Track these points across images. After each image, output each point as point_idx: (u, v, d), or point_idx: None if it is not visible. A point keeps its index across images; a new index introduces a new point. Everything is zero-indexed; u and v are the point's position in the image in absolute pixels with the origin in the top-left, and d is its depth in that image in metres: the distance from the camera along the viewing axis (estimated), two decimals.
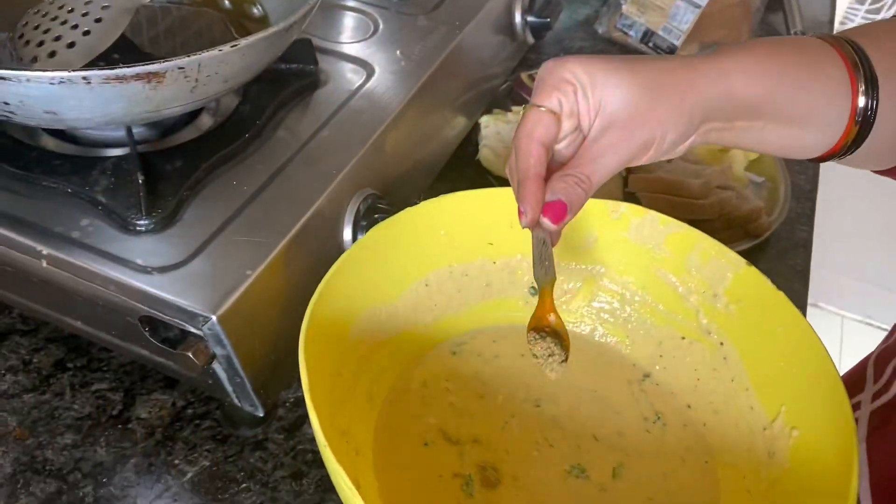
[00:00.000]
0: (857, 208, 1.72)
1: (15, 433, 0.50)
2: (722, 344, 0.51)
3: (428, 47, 0.67)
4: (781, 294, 0.47)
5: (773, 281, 0.48)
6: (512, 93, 0.77)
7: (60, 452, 0.49)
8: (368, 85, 0.62)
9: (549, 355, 0.43)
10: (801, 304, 0.70)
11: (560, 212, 0.41)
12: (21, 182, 0.50)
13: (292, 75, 0.60)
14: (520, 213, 0.42)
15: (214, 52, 0.43)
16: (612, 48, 0.95)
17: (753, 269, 0.49)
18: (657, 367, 0.54)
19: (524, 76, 0.77)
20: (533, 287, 0.56)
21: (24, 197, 0.49)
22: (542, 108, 0.42)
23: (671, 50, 0.92)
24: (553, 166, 0.43)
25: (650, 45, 0.93)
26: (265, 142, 0.56)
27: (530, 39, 0.85)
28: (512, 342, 0.55)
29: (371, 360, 0.49)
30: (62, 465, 0.49)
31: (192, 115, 0.58)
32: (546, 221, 0.41)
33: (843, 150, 0.44)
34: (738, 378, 0.50)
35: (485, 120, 0.72)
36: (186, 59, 0.42)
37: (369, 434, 0.48)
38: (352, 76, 0.63)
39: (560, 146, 0.44)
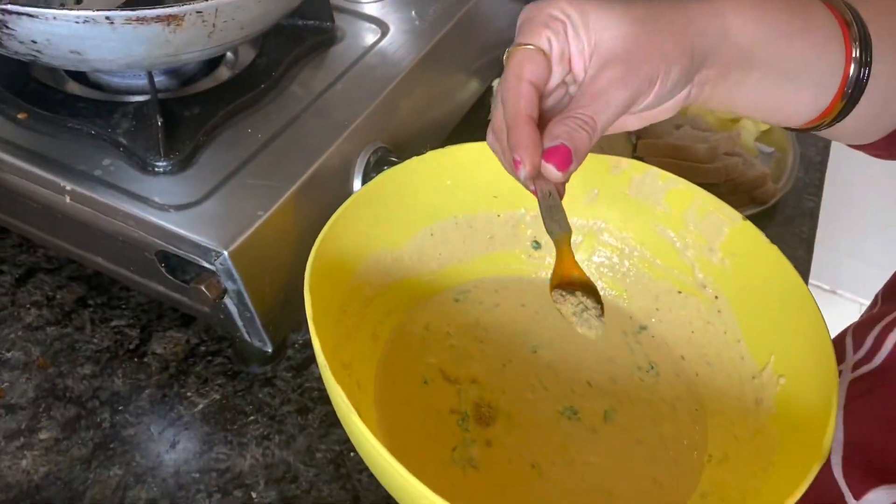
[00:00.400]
0: (862, 192, 1.71)
1: (38, 362, 0.53)
2: (716, 297, 0.52)
3: (442, 8, 0.68)
4: (775, 248, 0.48)
5: (778, 247, 0.49)
6: None
7: (80, 381, 0.52)
8: (382, 43, 0.64)
9: (584, 310, 0.41)
10: (804, 271, 0.71)
11: (565, 157, 0.36)
12: (48, 123, 0.52)
13: (309, 31, 0.62)
14: (515, 163, 0.37)
15: None
16: None
17: (749, 223, 0.50)
18: (653, 320, 0.55)
19: None
20: (535, 241, 0.57)
21: (50, 137, 0.51)
22: (530, 47, 0.38)
23: None
24: (542, 123, 0.39)
25: None
26: (280, 93, 0.58)
27: None
28: (513, 292, 0.56)
29: (376, 303, 0.51)
30: (81, 392, 0.52)
31: (211, 67, 0.60)
32: (550, 169, 0.37)
33: (835, 113, 0.43)
34: (730, 330, 0.51)
35: (496, 83, 0.73)
36: (204, 3, 0.44)
37: (372, 371, 0.50)
38: (367, 34, 0.65)
39: (547, 99, 0.41)
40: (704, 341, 0.52)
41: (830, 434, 0.38)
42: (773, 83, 0.42)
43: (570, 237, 0.41)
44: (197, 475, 0.48)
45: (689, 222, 0.53)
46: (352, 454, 0.50)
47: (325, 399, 0.53)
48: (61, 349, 0.54)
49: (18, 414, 0.50)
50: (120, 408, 0.51)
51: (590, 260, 0.57)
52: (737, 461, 0.46)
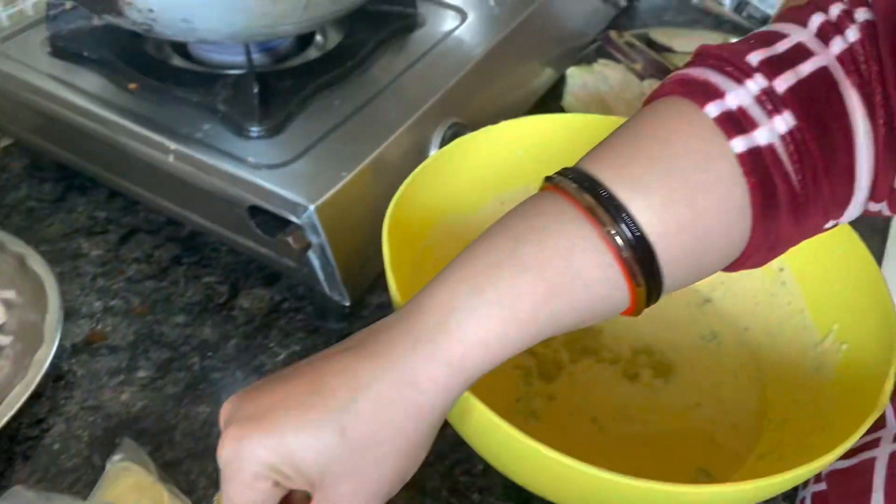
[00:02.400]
0: None
1: (137, 310, 0.58)
2: (781, 269, 0.53)
3: None
4: None
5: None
6: (600, 50, 0.81)
7: (174, 329, 0.57)
8: (461, 29, 0.67)
9: None
10: (878, 260, 0.70)
11: None
12: (155, 92, 0.57)
13: (392, 16, 0.66)
14: None
15: None
16: (706, 18, 0.97)
17: None
18: (718, 293, 0.56)
19: (613, 34, 0.80)
20: None
21: (157, 105, 0.57)
22: None
23: (764, 20, 0.93)
24: None
25: (743, 14, 0.94)
26: (364, 72, 0.62)
27: (623, 3, 0.88)
28: None
29: (447, 262, 0.54)
30: (175, 339, 0.56)
31: (302, 47, 0.64)
32: None
33: (643, 305, 0.34)
34: (794, 301, 0.52)
35: (571, 71, 0.76)
36: None
37: None
38: (446, 20, 0.68)
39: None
40: (768, 312, 0.53)
41: (889, 387, 0.39)
42: (548, 337, 0.33)
43: None
44: None
45: None
46: None
47: None
48: (158, 300, 0.58)
49: (119, 354, 0.55)
50: (209, 354, 0.55)
51: None
52: (795, 423, 0.47)
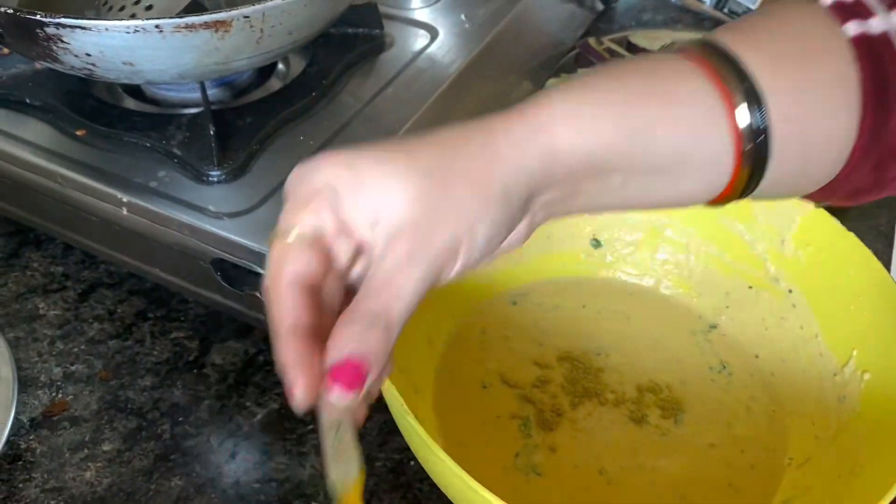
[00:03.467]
0: None
1: (100, 374, 0.53)
2: (790, 291, 0.49)
3: (492, 10, 0.67)
4: (851, 235, 0.46)
5: None
6: (579, 59, 0.77)
7: (141, 393, 0.52)
8: (432, 47, 0.63)
9: None
10: (885, 266, 0.67)
11: (354, 373, 0.28)
12: (105, 138, 0.53)
13: (358, 39, 0.62)
14: (289, 392, 0.29)
15: (278, 1, 0.44)
16: (686, 16, 0.93)
17: (822, 210, 0.47)
18: (723, 318, 0.52)
19: (592, 41, 0.77)
20: (595, 239, 0.56)
21: (107, 151, 0.52)
22: (291, 237, 0.30)
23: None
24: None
25: (724, 10, 0.91)
26: (331, 100, 0.58)
27: (599, 6, 0.85)
28: (572, 294, 0.55)
29: (430, 306, 0.50)
30: (142, 404, 0.52)
31: (263, 79, 0.60)
32: (336, 392, 0.28)
33: (739, 190, 0.33)
34: (806, 325, 0.48)
35: (551, 83, 0.72)
36: (251, 8, 0.44)
37: (429, 376, 0.49)
38: (416, 39, 0.64)
39: (355, 274, 0.31)
40: (779, 338, 0.50)
41: None
42: (643, 183, 0.33)
43: (360, 481, 0.30)
44: (257, 485, 0.48)
45: (757, 214, 0.51)
46: (412, 462, 0.49)
47: (382, 407, 0.52)
48: (122, 361, 0.54)
49: (82, 426, 0.50)
50: (180, 419, 0.51)
51: (653, 258, 0.55)
52: (820, 464, 0.43)
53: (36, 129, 0.55)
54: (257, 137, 0.52)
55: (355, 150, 0.31)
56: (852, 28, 0.31)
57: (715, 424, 0.47)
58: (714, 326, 0.53)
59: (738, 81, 0.30)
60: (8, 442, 0.48)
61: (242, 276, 0.50)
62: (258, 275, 0.47)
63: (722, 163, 0.32)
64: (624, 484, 0.44)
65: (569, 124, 0.30)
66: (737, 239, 0.52)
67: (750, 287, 0.52)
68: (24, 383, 0.53)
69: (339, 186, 0.30)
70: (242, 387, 0.53)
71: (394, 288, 0.29)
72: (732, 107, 0.31)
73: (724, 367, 0.50)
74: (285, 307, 0.30)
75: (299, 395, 0.29)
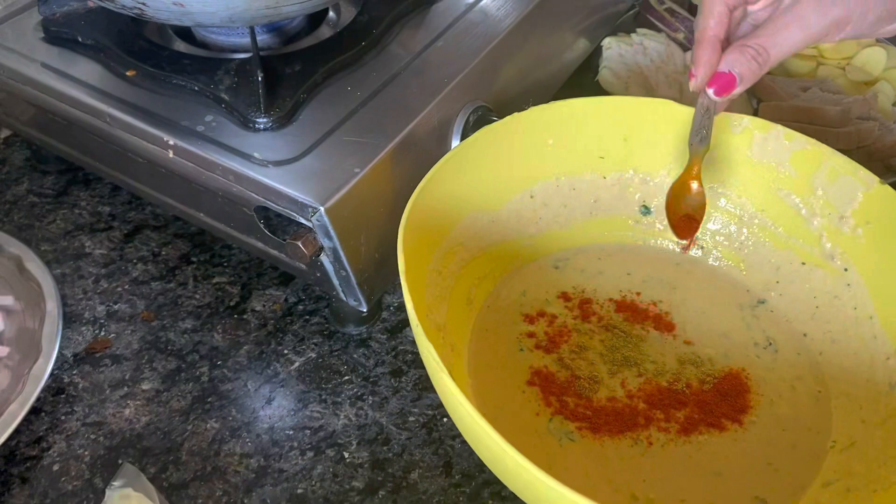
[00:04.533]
0: None
1: (142, 315, 0.54)
2: (846, 270, 0.47)
3: None
4: None
5: None
6: (638, 17, 0.74)
7: (181, 335, 0.53)
8: (485, 0, 0.61)
9: None
10: None
11: (727, 84, 0.41)
12: (154, 80, 0.53)
13: None
14: (690, 74, 0.43)
15: None
16: None
17: (888, 187, 0.45)
18: (773, 294, 0.51)
19: (653, 0, 0.74)
20: (644, 206, 0.54)
21: (155, 93, 0.52)
22: None
23: None
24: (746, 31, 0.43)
25: None
26: (380, 51, 0.56)
27: None
28: (618, 260, 0.53)
29: (472, 266, 0.50)
30: (182, 346, 0.52)
31: (313, 26, 0.59)
32: (712, 91, 0.42)
33: None
34: (861, 306, 0.46)
35: (607, 41, 0.70)
36: None
37: (466, 336, 0.48)
38: None
39: (756, 7, 0.43)
40: (830, 317, 0.48)
41: None
42: None
43: (706, 152, 0.45)
44: (291, 432, 0.48)
45: (817, 187, 0.49)
46: (444, 419, 0.48)
47: (418, 363, 0.52)
48: (165, 303, 0.55)
49: (123, 364, 0.51)
50: (218, 362, 0.51)
51: (704, 227, 0.53)
52: (865, 448, 0.42)
53: (87, 68, 0.55)
54: (305, 86, 0.52)
55: None
56: None
57: (758, 402, 0.46)
58: (762, 302, 0.51)
59: None
60: (52, 375, 0.49)
61: (285, 225, 0.50)
62: (300, 224, 0.47)
63: None
64: (658, 456, 0.43)
65: None
66: (792, 212, 0.50)
67: (803, 263, 0.50)
68: (69, 319, 0.54)
69: None
70: (281, 334, 0.53)
71: (782, 35, 0.39)
72: None
73: (770, 344, 0.49)
74: (714, 19, 0.41)
75: (698, 81, 0.42)
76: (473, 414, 0.33)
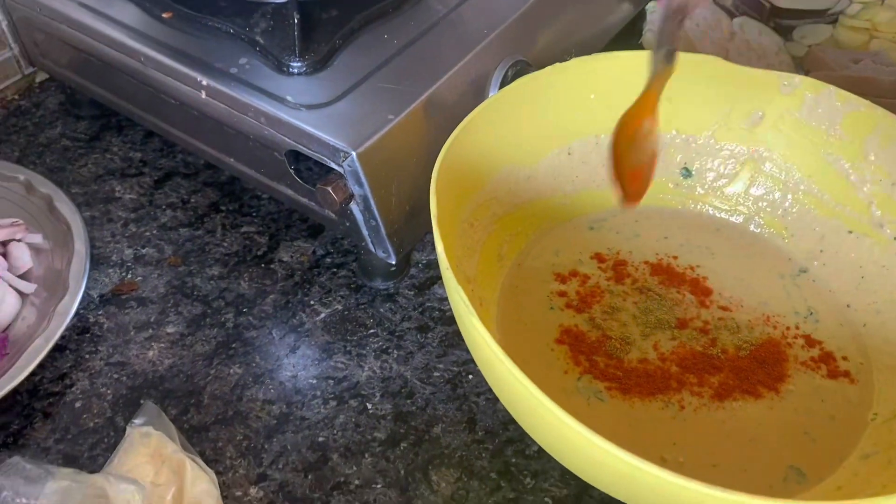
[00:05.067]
0: None
1: (170, 260, 0.54)
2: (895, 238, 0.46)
3: None
4: None
5: None
6: None
7: (208, 281, 0.53)
8: None
9: None
10: None
11: None
12: (189, 22, 0.52)
13: None
14: None
15: None
16: None
17: None
18: (816, 263, 0.49)
19: None
20: (685, 168, 0.52)
21: (190, 35, 0.51)
22: None
23: None
24: None
25: None
26: (419, 0, 0.55)
27: None
28: (655, 223, 0.52)
29: (505, 221, 0.49)
30: (208, 292, 0.52)
31: None
32: None
33: None
34: None
35: (652, 5, 0.68)
36: None
37: (496, 291, 0.47)
38: None
39: None
40: (876, 287, 0.46)
41: None
42: None
43: (670, 74, 0.37)
44: (314, 381, 0.47)
45: (869, 152, 0.47)
46: (470, 377, 0.47)
47: (445, 319, 0.51)
48: (192, 250, 0.54)
49: (149, 307, 0.51)
50: (244, 310, 0.51)
51: (747, 192, 0.51)
52: None
53: (123, 9, 0.54)
54: (341, 32, 0.51)
55: None
56: None
57: (797, 371, 0.44)
58: (804, 271, 0.49)
59: None
60: (78, 314, 0.49)
61: (316, 171, 0.49)
62: (331, 170, 0.46)
63: None
64: (690, 420, 0.42)
65: None
66: (841, 178, 0.48)
67: (850, 231, 0.48)
68: (96, 261, 0.53)
69: None
70: (308, 286, 0.53)
71: None
72: None
73: (812, 314, 0.47)
74: None
75: None
76: (500, 355, 0.32)
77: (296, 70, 0.49)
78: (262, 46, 0.50)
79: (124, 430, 0.44)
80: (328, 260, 0.54)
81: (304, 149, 0.46)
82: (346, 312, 0.51)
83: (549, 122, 0.49)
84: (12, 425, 0.45)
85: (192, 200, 0.58)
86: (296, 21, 0.49)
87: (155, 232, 0.55)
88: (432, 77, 0.49)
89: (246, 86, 0.48)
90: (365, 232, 0.49)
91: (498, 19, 0.53)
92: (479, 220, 0.46)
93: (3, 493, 0.32)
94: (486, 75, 0.52)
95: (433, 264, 0.54)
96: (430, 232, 0.54)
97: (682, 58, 0.49)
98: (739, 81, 0.48)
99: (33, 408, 0.46)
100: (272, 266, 0.54)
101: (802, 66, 0.67)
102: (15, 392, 0.44)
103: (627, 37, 0.70)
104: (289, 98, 0.47)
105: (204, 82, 0.48)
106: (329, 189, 0.45)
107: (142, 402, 0.46)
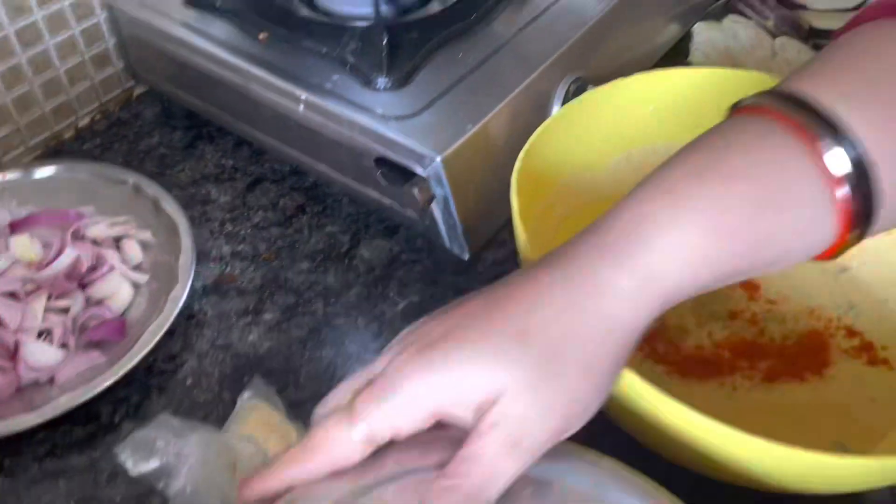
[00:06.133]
0: None
1: (264, 256, 0.59)
2: None
3: None
4: None
5: None
6: (728, 4, 0.77)
7: (298, 275, 0.58)
8: None
9: None
10: None
11: None
12: (286, 42, 0.58)
13: None
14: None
15: None
16: None
17: None
18: (856, 263, 0.53)
19: None
20: None
21: (286, 54, 0.58)
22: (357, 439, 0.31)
23: None
24: None
25: None
26: (487, 24, 0.61)
27: None
28: None
29: (570, 220, 0.54)
30: (299, 284, 0.58)
31: (425, 1, 0.64)
32: None
33: (847, 247, 0.31)
34: None
35: (698, 27, 0.73)
36: None
37: None
38: None
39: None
40: None
41: None
42: (743, 276, 0.32)
43: None
44: None
45: None
46: None
47: None
48: (283, 247, 0.60)
49: (247, 297, 0.57)
50: (332, 300, 0.56)
51: None
52: None
53: (223, 29, 0.60)
54: (421, 52, 0.56)
55: (453, 346, 0.29)
56: None
57: (838, 358, 0.49)
58: (845, 269, 0.53)
59: (839, 155, 0.28)
60: (185, 303, 0.54)
61: (400, 175, 0.54)
62: (414, 174, 0.51)
63: (827, 239, 0.30)
64: (742, 400, 0.46)
65: (684, 270, 0.29)
66: None
67: (888, 234, 0.52)
68: (198, 256, 0.59)
69: (440, 397, 0.29)
70: (387, 280, 0.58)
71: (492, 473, 0.28)
72: (845, 209, 0.29)
73: (852, 308, 0.51)
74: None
75: None
76: None
77: (383, 85, 0.54)
78: (352, 65, 0.55)
79: (231, 403, 0.49)
80: (404, 256, 0.60)
81: (393, 155, 0.52)
82: (421, 304, 0.56)
83: (611, 130, 0.54)
84: (132, 398, 0.51)
85: (281, 203, 0.63)
86: (384, 43, 0.55)
87: (249, 231, 0.61)
88: (502, 92, 0.54)
89: (340, 99, 0.54)
90: (443, 230, 0.54)
91: (558, 42, 0.58)
92: (548, 217, 0.51)
93: (158, 442, 0.37)
94: (550, 91, 0.58)
95: (498, 262, 0.59)
96: (498, 232, 0.59)
97: (735, 74, 0.54)
98: None
99: (150, 384, 0.52)
100: (354, 262, 0.59)
101: None
102: (134, 370, 0.50)
103: (674, 57, 0.75)
104: (378, 110, 0.53)
105: (303, 96, 0.54)
106: (414, 191, 0.51)
107: (245, 379, 0.51)
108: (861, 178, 0.28)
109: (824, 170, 0.28)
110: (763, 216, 0.29)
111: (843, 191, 0.29)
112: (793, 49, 0.71)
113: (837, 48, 0.32)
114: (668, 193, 0.29)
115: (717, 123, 0.32)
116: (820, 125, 0.28)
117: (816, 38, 0.76)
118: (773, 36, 0.73)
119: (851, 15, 0.80)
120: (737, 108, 0.32)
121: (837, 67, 0.30)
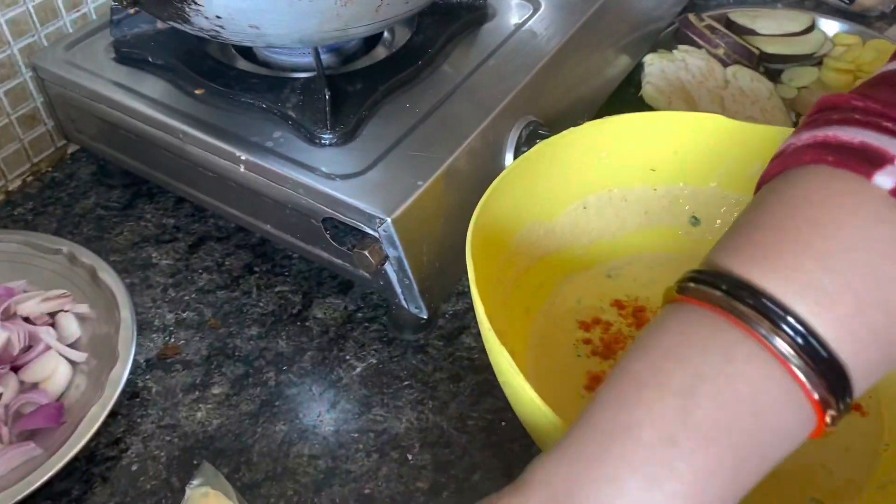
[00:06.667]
0: None
1: (210, 323, 0.56)
2: None
3: None
4: None
5: None
6: (678, 34, 0.76)
7: (248, 342, 0.55)
8: (533, 19, 0.64)
9: None
10: None
11: None
12: (223, 98, 0.56)
13: (462, 9, 0.63)
14: None
15: None
16: None
17: None
18: None
19: (692, 17, 0.76)
20: (694, 217, 0.56)
21: (225, 111, 0.55)
22: None
23: None
24: None
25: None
26: (435, 69, 0.59)
27: None
28: (670, 269, 0.55)
29: (529, 275, 0.52)
30: (249, 352, 0.55)
31: (369, 47, 0.62)
32: None
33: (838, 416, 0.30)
34: None
35: (649, 58, 0.72)
36: None
37: (525, 342, 0.50)
38: (518, 11, 0.65)
39: None
40: None
41: None
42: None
43: None
44: (356, 434, 0.50)
45: None
46: (503, 423, 0.50)
47: (475, 368, 0.53)
48: (230, 311, 0.57)
49: (193, 370, 0.54)
50: (284, 368, 0.54)
51: None
52: None
53: (157, 87, 0.57)
54: (367, 103, 0.54)
55: None
56: None
57: None
58: None
59: (811, 367, 0.27)
60: (128, 380, 0.51)
61: (350, 235, 0.52)
62: (366, 235, 0.49)
63: (805, 435, 0.30)
64: None
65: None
66: None
67: None
68: (140, 327, 0.56)
69: None
70: (342, 341, 0.55)
71: None
72: (820, 407, 0.28)
73: None
74: None
75: None
76: (549, 415, 0.34)
77: (327, 142, 0.52)
78: (294, 120, 0.53)
79: (180, 490, 0.47)
80: (360, 315, 0.57)
81: (341, 216, 0.49)
82: (380, 366, 0.54)
83: (565, 179, 0.52)
84: (73, 491, 0.47)
85: (227, 263, 0.60)
86: (326, 95, 0.52)
87: (193, 296, 0.58)
88: (454, 143, 0.52)
89: (282, 158, 0.51)
90: (399, 290, 0.52)
91: (510, 84, 0.57)
92: (506, 276, 0.49)
93: None
94: (502, 136, 0.56)
95: (458, 315, 0.57)
96: (457, 285, 0.57)
97: (688, 116, 0.53)
98: (740, 137, 0.51)
99: (92, 473, 0.48)
100: (307, 323, 0.57)
101: (793, 108, 0.71)
102: (74, 459, 0.46)
103: (626, 87, 0.74)
104: (323, 168, 0.50)
105: (242, 157, 0.52)
106: (366, 252, 0.49)
107: (196, 462, 0.48)
108: (837, 380, 0.28)
109: (802, 384, 0.28)
110: (749, 463, 0.28)
111: (823, 398, 0.28)
112: (745, 77, 0.71)
113: (776, 208, 0.29)
114: (641, 476, 0.27)
115: (660, 316, 0.31)
116: (783, 330, 0.27)
117: (767, 63, 0.76)
118: (725, 64, 0.72)
119: (799, 40, 0.79)
120: (682, 290, 0.31)
121: (782, 242, 0.28)
